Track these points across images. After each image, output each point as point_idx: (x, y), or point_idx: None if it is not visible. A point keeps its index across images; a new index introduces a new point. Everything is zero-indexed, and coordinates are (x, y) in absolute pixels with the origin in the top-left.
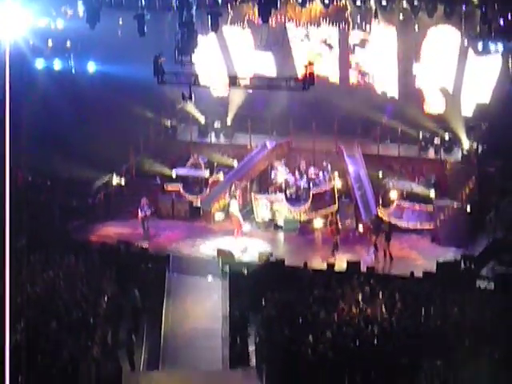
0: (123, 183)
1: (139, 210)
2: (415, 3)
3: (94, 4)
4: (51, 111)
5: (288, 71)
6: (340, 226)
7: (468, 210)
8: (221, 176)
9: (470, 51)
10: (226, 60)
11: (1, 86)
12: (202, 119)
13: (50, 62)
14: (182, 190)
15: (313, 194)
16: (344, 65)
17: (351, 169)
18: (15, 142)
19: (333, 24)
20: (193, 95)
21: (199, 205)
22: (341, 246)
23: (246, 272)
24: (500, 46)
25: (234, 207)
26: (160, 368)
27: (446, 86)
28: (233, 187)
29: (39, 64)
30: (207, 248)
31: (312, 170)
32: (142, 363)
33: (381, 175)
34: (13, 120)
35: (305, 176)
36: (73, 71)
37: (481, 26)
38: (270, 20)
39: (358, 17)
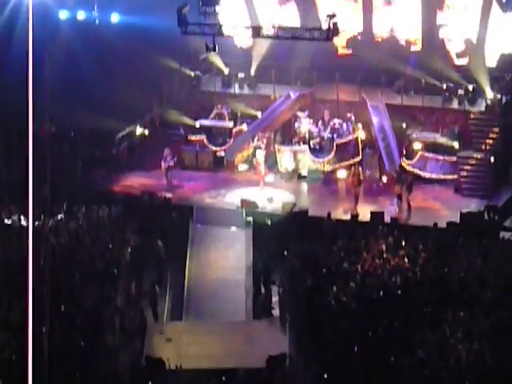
0: (147, 134)
1: (162, 161)
2: None
3: None
4: (75, 62)
5: (312, 22)
6: (362, 177)
7: (492, 160)
8: (244, 127)
9: (495, 2)
10: (250, 10)
11: (25, 37)
12: (225, 70)
13: (73, 13)
14: (205, 141)
15: (336, 145)
16: (368, 16)
17: (375, 120)
18: (39, 93)
19: None
20: (216, 46)
21: (223, 155)
22: (365, 197)
23: (269, 222)
24: None
25: (260, 157)
26: (183, 319)
27: (470, 36)
28: (256, 138)
29: (63, 15)
30: (231, 198)
31: (336, 121)
32: (165, 314)
33: (404, 126)
34: (36, 71)
35: (328, 127)
36: (96, 22)
37: None
38: None
39: None
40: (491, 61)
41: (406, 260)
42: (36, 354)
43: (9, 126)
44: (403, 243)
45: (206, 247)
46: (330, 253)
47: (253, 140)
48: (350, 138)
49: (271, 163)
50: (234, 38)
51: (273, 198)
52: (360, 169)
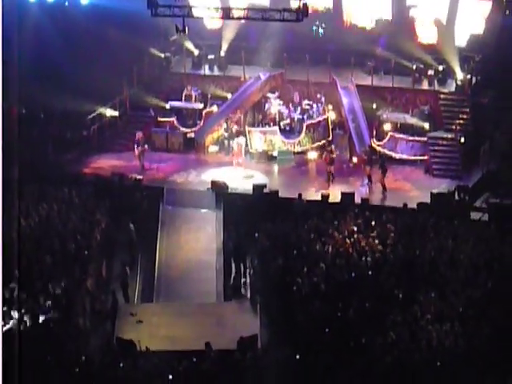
0: (117, 115)
1: (135, 145)
2: None
3: None
4: (45, 44)
5: (282, 2)
6: (334, 155)
7: (462, 141)
8: (215, 108)
9: None
10: None
11: None
12: (195, 51)
13: None
14: (175, 123)
15: (307, 126)
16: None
17: (345, 100)
18: (8, 76)
19: None
20: (186, 27)
21: (193, 137)
22: (335, 178)
23: (240, 203)
24: None
25: (242, 141)
26: (154, 300)
27: (439, 16)
28: (230, 122)
29: None
30: (201, 180)
31: (306, 102)
32: (136, 295)
33: (375, 107)
34: (6, 52)
35: (299, 108)
36: (66, 3)
37: None
38: None
39: None
40: (461, 41)
41: (376, 241)
42: (6, 337)
43: None
44: (374, 224)
45: (176, 229)
46: (301, 234)
47: (225, 122)
48: (320, 119)
49: None
50: (204, 19)
51: (253, 175)
52: (333, 147)
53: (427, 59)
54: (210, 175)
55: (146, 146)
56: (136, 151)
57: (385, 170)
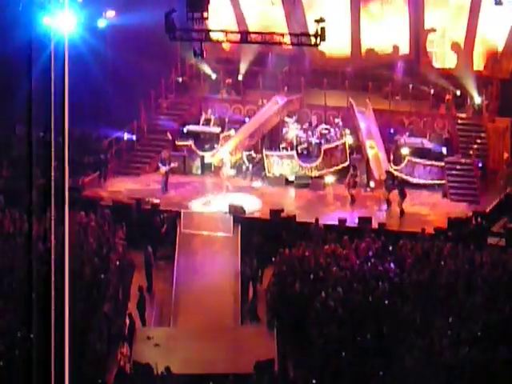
0: (134, 139)
1: (160, 164)
2: None
3: None
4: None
5: (299, 27)
6: (358, 180)
7: (479, 165)
8: (232, 132)
9: (483, 3)
10: (238, 16)
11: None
12: (213, 75)
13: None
14: (193, 146)
15: (324, 151)
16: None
17: (362, 125)
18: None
19: None
20: (204, 51)
21: (211, 161)
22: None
23: (257, 228)
24: None
25: (226, 158)
26: (171, 324)
27: (457, 40)
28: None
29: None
30: (219, 204)
31: (323, 126)
32: (153, 319)
33: (392, 131)
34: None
35: (316, 132)
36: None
37: None
38: None
39: None
40: (479, 65)
41: (393, 266)
42: (23, 360)
43: None
44: (391, 248)
45: (193, 253)
46: (318, 258)
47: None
48: (338, 143)
49: (258, 169)
50: (221, 43)
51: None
52: (358, 171)
53: (445, 83)
54: (227, 199)
55: (173, 164)
56: (162, 169)
57: (404, 195)
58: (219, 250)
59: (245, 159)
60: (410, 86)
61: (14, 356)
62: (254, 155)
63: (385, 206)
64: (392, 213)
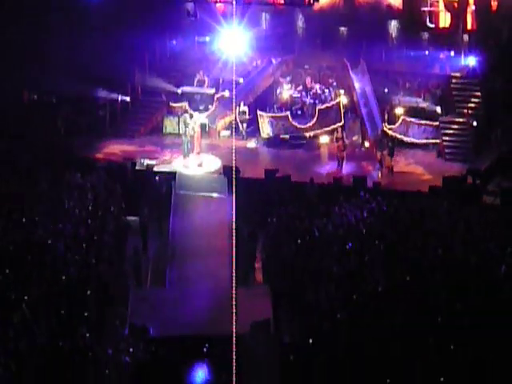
0: (128, 101)
1: None
2: None
3: None
4: (55, 26)
5: None
6: (346, 141)
7: (474, 124)
8: (226, 93)
9: None
10: None
11: None
12: (207, 36)
13: None
14: (187, 107)
15: (318, 111)
16: None
17: (357, 85)
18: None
19: None
20: (197, 12)
21: (205, 121)
22: (347, 162)
23: (252, 188)
24: None
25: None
26: (166, 285)
27: None
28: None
29: None
30: (213, 164)
31: (317, 87)
32: (148, 280)
33: (386, 91)
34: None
35: (310, 92)
36: None
37: None
38: None
39: None
40: (473, 24)
41: (388, 225)
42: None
43: None
44: (385, 208)
45: (188, 213)
46: (313, 217)
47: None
48: (332, 103)
49: (252, 129)
50: (215, 4)
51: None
52: (344, 133)
53: (439, 42)
54: (221, 160)
55: None
56: None
57: (392, 153)
58: (214, 211)
59: (238, 120)
60: (405, 45)
61: None
62: (247, 116)
63: (377, 165)
64: (384, 173)
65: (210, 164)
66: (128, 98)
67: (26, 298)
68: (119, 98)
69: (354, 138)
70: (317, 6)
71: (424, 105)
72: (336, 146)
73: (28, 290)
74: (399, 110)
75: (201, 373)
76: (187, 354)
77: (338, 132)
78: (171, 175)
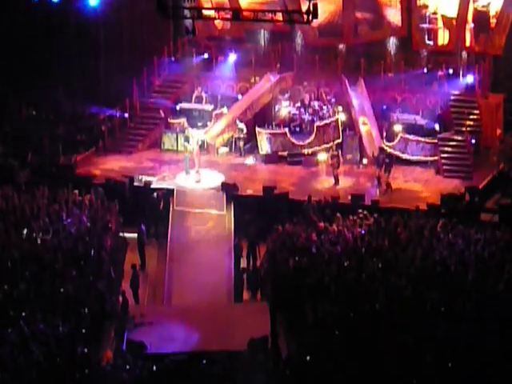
0: (127, 117)
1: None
2: None
3: None
4: (54, 45)
5: (291, 5)
6: (341, 159)
7: (472, 142)
8: (224, 110)
9: None
10: None
11: None
12: (205, 52)
13: None
14: (186, 124)
15: (317, 127)
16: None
17: (355, 102)
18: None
19: None
20: (196, 29)
21: (203, 138)
22: (345, 179)
23: (250, 205)
24: None
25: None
26: (164, 302)
27: (450, 16)
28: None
29: None
30: (212, 181)
31: (316, 103)
32: (146, 297)
33: (385, 108)
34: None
35: (309, 109)
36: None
37: None
38: None
39: None
40: (471, 41)
41: (386, 242)
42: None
43: None
44: (384, 225)
45: (187, 230)
46: (311, 234)
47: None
48: (331, 120)
49: (251, 147)
50: (213, 20)
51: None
52: (339, 151)
53: (437, 60)
54: (220, 176)
55: None
56: None
57: (390, 170)
58: (212, 228)
59: (236, 137)
60: (403, 62)
61: None
62: (245, 133)
63: (375, 183)
64: (383, 190)
65: (209, 180)
66: (126, 114)
67: (23, 314)
68: (117, 114)
69: (349, 157)
70: (315, 22)
71: (422, 122)
72: (330, 164)
73: (25, 305)
74: (397, 127)
75: None
76: (185, 371)
77: (332, 150)
78: (169, 192)
